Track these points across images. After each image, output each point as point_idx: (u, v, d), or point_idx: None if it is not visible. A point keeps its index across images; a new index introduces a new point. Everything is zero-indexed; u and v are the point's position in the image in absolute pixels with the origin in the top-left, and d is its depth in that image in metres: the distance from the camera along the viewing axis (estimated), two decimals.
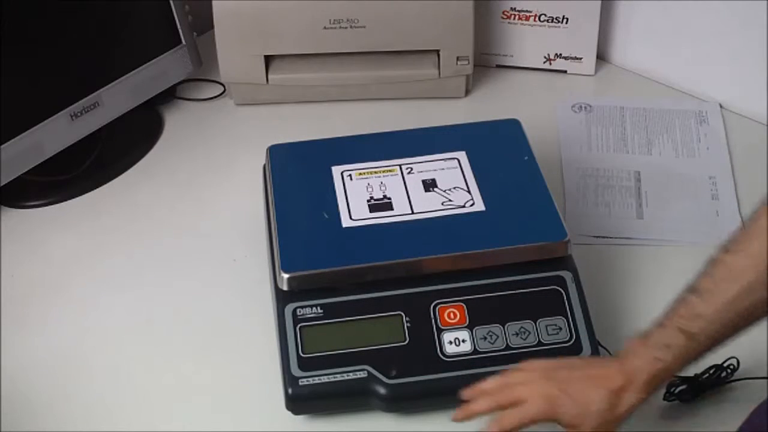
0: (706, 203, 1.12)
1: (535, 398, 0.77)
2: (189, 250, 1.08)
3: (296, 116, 1.29)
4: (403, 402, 0.86)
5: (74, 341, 0.98)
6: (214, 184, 1.19)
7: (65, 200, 1.17)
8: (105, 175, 1.20)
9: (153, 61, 1.24)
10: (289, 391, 0.85)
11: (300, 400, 0.85)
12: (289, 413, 0.87)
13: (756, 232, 0.74)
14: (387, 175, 0.98)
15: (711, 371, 0.88)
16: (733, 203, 1.11)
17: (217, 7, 1.22)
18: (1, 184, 1.09)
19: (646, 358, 0.76)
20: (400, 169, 0.99)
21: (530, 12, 1.33)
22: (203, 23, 1.34)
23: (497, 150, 1.03)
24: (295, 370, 0.85)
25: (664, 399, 0.87)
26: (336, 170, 0.99)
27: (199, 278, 1.04)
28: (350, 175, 0.98)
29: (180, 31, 1.27)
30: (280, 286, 0.89)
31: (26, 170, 1.12)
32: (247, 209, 1.08)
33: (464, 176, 0.97)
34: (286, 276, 0.88)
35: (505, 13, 1.34)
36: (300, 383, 0.85)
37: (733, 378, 0.88)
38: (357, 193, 0.96)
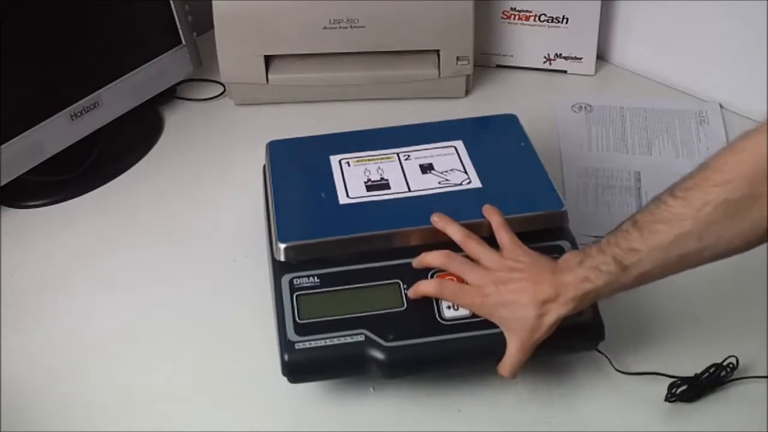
0: None
1: (475, 289, 0.83)
2: (188, 250, 1.08)
3: (296, 116, 1.29)
4: (401, 366, 0.85)
5: (74, 341, 0.98)
6: (214, 184, 1.19)
7: (65, 200, 1.17)
8: (105, 175, 1.20)
9: (153, 61, 1.24)
10: (286, 357, 0.83)
11: (296, 366, 0.84)
12: (289, 411, 0.87)
13: (701, 183, 0.75)
14: (384, 162, 0.98)
15: (711, 370, 0.88)
16: None
17: (217, 7, 1.23)
18: (1, 184, 1.10)
19: (577, 276, 0.79)
20: (398, 156, 0.99)
21: (530, 12, 1.33)
22: (203, 23, 1.34)
23: (494, 138, 1.04)
24: (291, 335, 0.84)
25: (664, 399, 0.87)
26: (334, 159, 0.99)
27: (198, 278, 1.04)
28: (348, 162, 0.98)
29: (180, 31, 1.27)
30: (276, 258, 0.89)
31: (26, 170, 1.12)
32: (247, 209, 1.08)
33: (461, 160, 0.98)
34: (282, 246, 0.88)
35: (505, 13, 1.34)
36: (296, 347, 0.83)
37: (732, 377, 0.88)
38: (354, 177, 0.96)
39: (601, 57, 1.38)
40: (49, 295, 1.03)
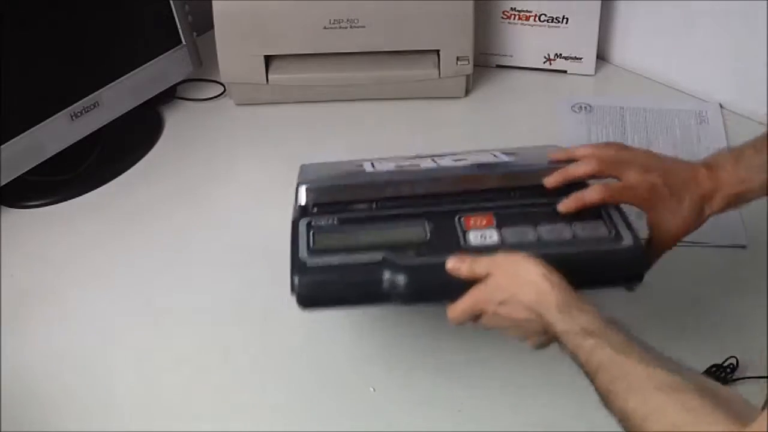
0: None
1: (641, 183, 0.80)
2: (188, 250, 1.08)
3: (296, 116, 1.29)
4: (422, 289, 0.78)
5: (74, 341, 0.97)
6: (214, 184, 1.19)
7: (65, 200, 1.17)
8: (105, 175, 1.20)
9: (153, 61, 1.24)
10: (296, 278, 0.77)
11: (308, 288, 0.77)
12: (290, 411, 0.87)
13: None
14: (417, 160, 0.95)
15: (712, 370, 0.88)
16: None
17: (217, 7, 1.23)
18: (1, 184, 1.10)
19: (732, 174, 0.79)
20: (432, 159, 0.96)
21: (530, 12, 1.33)
22: (203, 23, 1.34)
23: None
24: (304, 256, 0.78)
25: None
26: (366, 162, 0.96)
27: (198, 278, 1.04)
28: (380, 161, 0.96)
29: (180, 31, 1.27)
30: (299, 202, 0.85)
31: (26, 170, 1.12)
32: (247, 209, 1.08)
33: (496, 156, 0.95)
34: (304, 187, 0.85)
35: (505, 13, 1.34)
36: (308, 266, 0.77)
37: (733, 377, 0.88)
38: (385, 164, 0.94)
39: (601, 57, 1.38)
40: (48, 295, 1.03)
